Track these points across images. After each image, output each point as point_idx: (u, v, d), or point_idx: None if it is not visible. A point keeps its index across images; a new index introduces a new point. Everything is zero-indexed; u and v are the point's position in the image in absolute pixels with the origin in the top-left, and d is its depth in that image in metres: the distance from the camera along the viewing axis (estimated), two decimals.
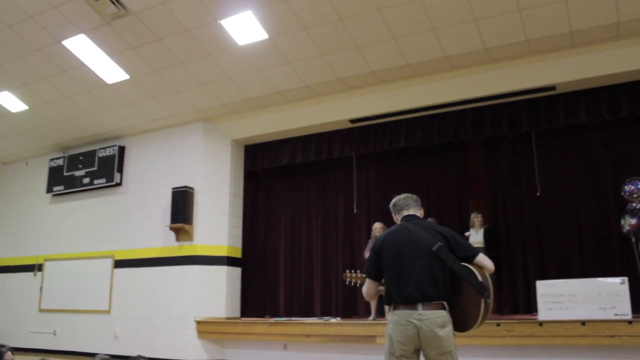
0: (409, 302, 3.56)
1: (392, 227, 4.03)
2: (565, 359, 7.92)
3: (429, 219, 9.28)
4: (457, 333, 3.66)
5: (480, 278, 3.53)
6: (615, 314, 7.58)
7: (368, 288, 4.01)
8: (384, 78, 9.52)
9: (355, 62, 9.13)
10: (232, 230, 11.39)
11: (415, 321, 3.51)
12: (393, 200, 4.22)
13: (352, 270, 4.56)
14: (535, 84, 8.95)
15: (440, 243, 3.62)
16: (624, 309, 7.56)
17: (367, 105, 10.05)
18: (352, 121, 10.43)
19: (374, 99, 9.92)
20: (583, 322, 7.59)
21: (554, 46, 8.45)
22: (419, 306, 3.51)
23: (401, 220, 4.06)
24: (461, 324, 3.57)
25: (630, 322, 7.42)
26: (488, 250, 8.78)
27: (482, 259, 3.69)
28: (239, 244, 11.59)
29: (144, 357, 5.32)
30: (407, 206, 4.08)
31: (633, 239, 7.99)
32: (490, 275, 3.71)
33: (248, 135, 11.49)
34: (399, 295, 3.63)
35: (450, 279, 3.61)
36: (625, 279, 7.69)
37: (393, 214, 4.22)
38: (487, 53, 8.67)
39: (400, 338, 3.55)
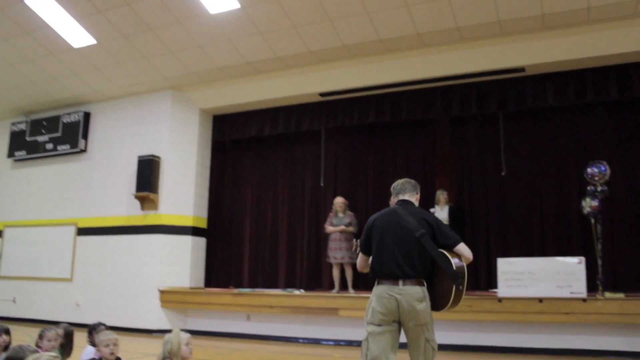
0: (391, 277, 3.87)
1: (385, 209, 4.29)
2: (522, 334, 8.17)
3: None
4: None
5: (454, 267, 3.77)
6: (572, 292, 7.84)
7: (359, 260, 4.35)
8: (356, 52, 9.49)
9: (327, 35, 9.07)
10: (198, 201, 11.33)
11: (396, 295, 3.81)
12: (393, 184, 4.43)
13: None
14: (504, 65, 9.04)
15: (422, 230, 3.88)
16: (580, 288, 7.83)
17: (338, 79, 10.03)
18: (322, 95, 10.40)
19: (344, 73, 9.90)
20: (540, 300, 7.83)
21: (524, 28, 8.52)
22: (400, 282, 3.82)
23: (396, 203, 4.29)
24: (435, 303, 3.87)
25: (584, 300, 7.70)
26: (452, 227, 8.91)
27: (462, 248, 3.90)
28: (204, 214, 11.55)
29: (104, 325, 5.27)
30: (403, 191, 4.30)
31: (592, 221, 8.20)
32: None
33: (217, 105, 11.37)
34: (382, 271, 3.95)
35: (429, 262, 3.89)
36: (583, 259, 7.94)
37: (392, 196, 4.45)
38: (459, 32, 8.70)
39: (382, 309, 3.85)
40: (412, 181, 4.38)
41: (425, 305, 3.82)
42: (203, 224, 11.48)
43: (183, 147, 11.24)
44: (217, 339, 9.99)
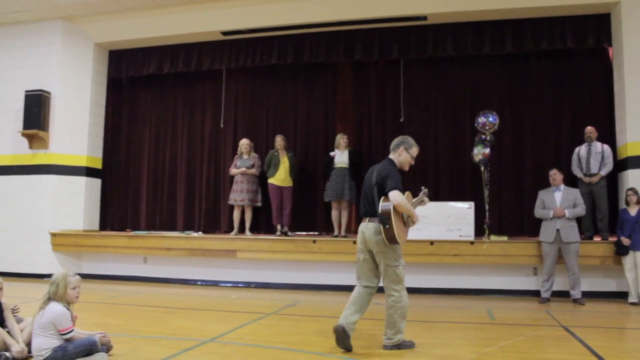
0: (363, 216, 4.96)
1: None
2: (414, 275, 8.52)
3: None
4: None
5: (380, 209, 4.68)
6: (460, 235, 8.30)
7: None
8: None
9: None
10: (93, 140, 10.83)
11: (363, 229, 4.88)
12: None
13: None
14: (407, 12, 9.13)
15: (374, 182, 4.83)
16: (468, 231, 8.30)
17: (241, 18, 9.75)
18: (225, 33, 10.08)
19: (248, 12, 9.62)
20: (432, 242, 8.21)
21: None
22: (367, 219, 4.87)
23: None
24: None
25: (472, 242, 8.17)
26: (352, 171, 9.08)
27: (391, 194, 4.66)
28: (99, 154, 11.09)
29: None
30: (391, 150, 5.07)
31: (482, 168, 8.58)
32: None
33: (113, 39, 10.76)
34: (360, 212, 5.08)
35: None
36: (472, 204, 8.36)
37: None
38: None
39: (358, 239, 4.95)
40: (399, 139, 5.10)
41: (381, 237, 4.67)
42: (98, 164, 11.03)
43: (76, 83, 10.61)
44: (112, 282, 9.81)
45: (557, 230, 7.62)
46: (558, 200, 7.79)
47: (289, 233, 9.47)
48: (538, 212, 7.95)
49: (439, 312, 6.87)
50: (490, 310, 7.02)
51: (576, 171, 8.46)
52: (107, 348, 4.30)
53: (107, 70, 11.21)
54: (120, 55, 11.11)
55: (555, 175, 7.91)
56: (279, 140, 9.52)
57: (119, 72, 11.15)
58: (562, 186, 7.89)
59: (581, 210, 7.73)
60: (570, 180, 8.39)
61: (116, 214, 11.19)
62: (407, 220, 4.85)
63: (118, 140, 11.35)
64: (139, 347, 4.73)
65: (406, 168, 5.02)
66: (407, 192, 4.85)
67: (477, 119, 8.54)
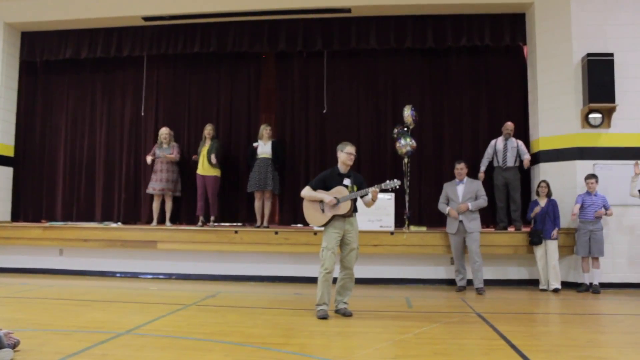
0: None
1: None
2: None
3: None
4: None
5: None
6: (381, 226, 8.47)
7: None
8: None
9: None
10: (3, 126, 10.30)
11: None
12: None
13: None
14: (331, 4, 9.19)
15: None
16: (389, 222, 8.49)
17: (163, 3, 9.53)
18: (146, 19, 9.79)
19: None
20: None
21: None
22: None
23: None
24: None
25: (392, 233, 8.34)
26: (274, 162, 9.06)
27: None
28: (11, 141, 10.54)
29: None
30: None
31: (406, 160, 8.72)
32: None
33: (25, 20, 10.22)
34: None
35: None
36: (393, 195, 8.52)
37: None
38: None
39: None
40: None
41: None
42: (9, 152, 10.50)
43: None
44: (25, 276, 9.40)
45: (460, 221, 7.91)
46: (460, 193, 8.05)
47: (211, 223, 9.33)
48: (440, 206, 8.23)
49: (358, 301, 6.94)
50: (408, 299, 7.19)
51: (484, 162, 8.79)
52: (14, 344, 4.12)
53: (19, 53, 10.64)
54: (34, 37, 10.57)
55: (463, 169, 8.13)
56: (209, 129, 9.39)
57: (32, 55, 10.61)
58: (466, 179, 8.14)
59: (483, 201, 8.01)
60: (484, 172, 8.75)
61: (30, 204, 10.68)
62: (324, 206, 5.87)
63: (32, 127, 10.82)
64: (49, 341, 4.55)
65: (348, 162, 5.97)
66: (339, 187, 5.88)
67: (411, 111, 8.63)
